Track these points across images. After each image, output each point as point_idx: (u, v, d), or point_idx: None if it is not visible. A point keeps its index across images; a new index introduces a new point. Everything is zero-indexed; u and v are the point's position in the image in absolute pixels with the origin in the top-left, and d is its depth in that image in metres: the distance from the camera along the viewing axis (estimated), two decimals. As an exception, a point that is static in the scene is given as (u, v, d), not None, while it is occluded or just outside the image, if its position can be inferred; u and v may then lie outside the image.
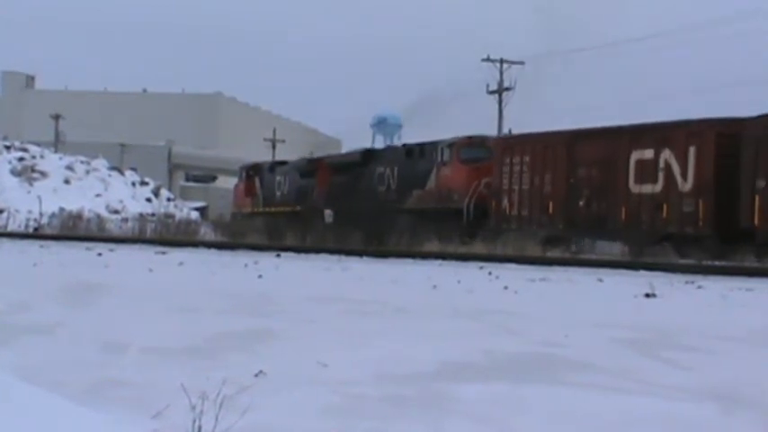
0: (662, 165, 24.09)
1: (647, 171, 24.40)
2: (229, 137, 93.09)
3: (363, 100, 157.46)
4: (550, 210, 27.27)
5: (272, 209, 39.41)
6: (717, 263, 20.14)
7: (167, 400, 5.20)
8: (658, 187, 24.15)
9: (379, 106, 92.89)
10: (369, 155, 35.18)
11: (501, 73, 54.85)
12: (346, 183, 34.88)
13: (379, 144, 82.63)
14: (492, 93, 54.77)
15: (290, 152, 65.10)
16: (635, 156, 24.79)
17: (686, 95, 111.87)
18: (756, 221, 21.57)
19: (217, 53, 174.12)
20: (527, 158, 27.96)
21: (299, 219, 33.21)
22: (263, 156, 68.71)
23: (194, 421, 4.53)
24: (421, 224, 27.69)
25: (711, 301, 11.63)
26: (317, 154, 51.95)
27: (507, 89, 54.49)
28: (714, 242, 21.79)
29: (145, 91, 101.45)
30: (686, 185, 23.55)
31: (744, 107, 29.19)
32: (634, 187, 24.78)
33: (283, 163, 42.03)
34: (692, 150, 23.42)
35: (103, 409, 5.11)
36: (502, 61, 54.91)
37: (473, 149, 30.33)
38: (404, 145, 34.75)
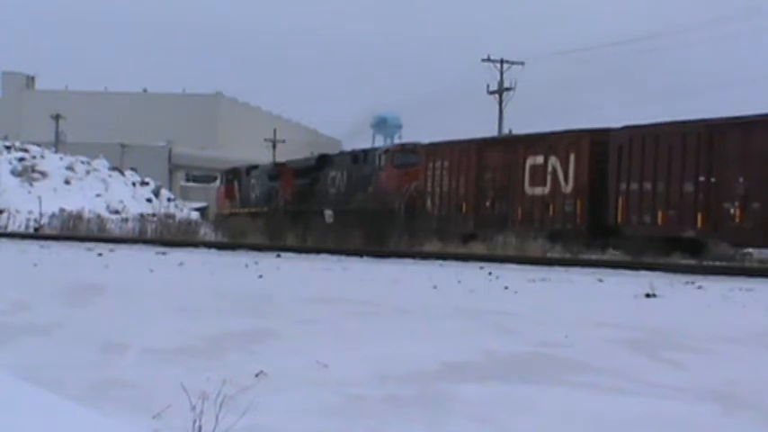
0: (550, 169, 27.03)
1: (538, 175, 27.35)
2: (229, 137, 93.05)
3: (363, 100, 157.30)
4: (464, 209, 29.83)
5: (247, 209, 41.76)
6: (717, 263, 20.18)
7: (168, 400, 5.21)
8: (547, 189, 27.08)
9: (379, 106, 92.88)
10: (323, 160, 37.71)
11: (501, 73, 54.81)
12: (305, 185, 37.59)
13: (380, 144, 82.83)
14: (492, 93, 54.70)
15: (290, 152, 65.07)
16: (529, 161, 27.72)
17: (686, 95, 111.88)
18: (620, 219, 24.89)
19: (217, 53, 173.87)
20: (446, 163, 30.69)
21: (265, 218, 36.20)
22: (263, 156, 68.72)
23: (194, 421, 4.54)
24: (363, 224, 29.65)
25: (711, 301, 11.63)
26: (317, 154, 52.32)
27: (507, 89, 54.42)
28: (588, 237, 24.70)
29: (145, 91, 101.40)
30: (567, 188, 26.53)
31: (743, 107, 29.32)
32: (528, 189, 27.67)
33: (256, 167, 44.46)
34: (572, 157, 26.43)
35: (104, 409, 5.12)
36: (502, 61, 54.83)
37: (405, 155, 33.07)
38: (352, 151, 37.63)
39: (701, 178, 23.00)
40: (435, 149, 31.78)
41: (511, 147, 28.95)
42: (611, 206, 25.06)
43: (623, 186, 24.72)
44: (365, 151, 35.96)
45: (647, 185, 24.18)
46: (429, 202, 30.70)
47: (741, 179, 22.28)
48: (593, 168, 25.72)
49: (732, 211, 22.36)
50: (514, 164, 28.04)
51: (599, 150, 25.55)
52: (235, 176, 45.07)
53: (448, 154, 30.85)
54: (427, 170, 31.16)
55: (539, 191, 27.20)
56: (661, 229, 23.76)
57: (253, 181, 42.76)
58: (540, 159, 27.30)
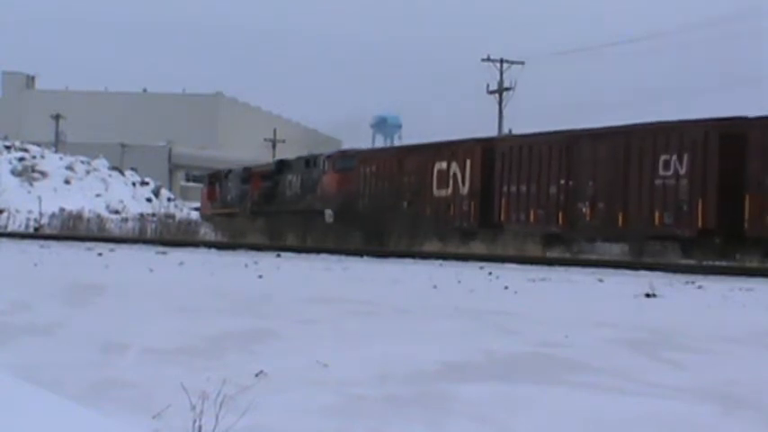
0: (452, 174, 30.72)
1: (443, 179, 30.99)
2: (229, 137, 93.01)
3: (363, 100, 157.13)
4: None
5: (225, 210, 44.81)
6: (717, 263, 20.19)
7: (168, 400, 5.21)
8: (449, 191, 30.66)
9: (379, 106, 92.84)
10: (282, 164, 41.24)
11: (501, 73, 54.78)
12: (268, 188, 40.97)
13: (380, 144, 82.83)
14: (492, 92, 54.67)
15: (290, 152, 65.04)
16: (436, 167, 31.36)
17: (686, 95, 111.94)
18: (503, 218, 28.66)
19: (217, 53, 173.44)
20: (374, 168, 34.38)
21: (238, 218, 39.74)
22: (263, 156, 68.74)
23: (194, 421, 4.54)
24: (311, 222, 32.36)
25: (711, 301, 11.63)
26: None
27: (507, 89, 54.39)
28: (480, 233, 28.10)
29: (145, 91, 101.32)
30: (464, 190, 30.21)
31: (743, 107, 29.47)
32: (436, 192, 31.16)
33: (232, 171, 47.35)
34: (468, 163, 30.22)
35: (104, 409, 5.12)
36: (502, 61, 54.79)
37: (345, 161, 36.45)
38: (305, 156, 41.05)
39: (562, 182, 26.90)
40: (367, 155, 36.36)
41: (423, 154, 32.66)
42: (496, 206, 28.87)
43: (505, 189, 28.57)
44: (315, 157, 39.28)
45: (523, 188, 28.00)
46: (360, 203, 33.12)
47: (591, 183, 26.12)
48: (484, 173, 29.46)
49: (584, 210, 26.20)
50: (425, 169, 31.66)
51: (489, 157, 29.44)
52: (216, 180, 48.17)
53: (376, 160, 34.96)
54: (359, 174, 34.70)
55: (443, 193, 30.79)
56: (533, 226, 27.42)
57: (230, 184, 45.68)
58: (444, 165, 31.03)
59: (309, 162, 38.50)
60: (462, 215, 29.93)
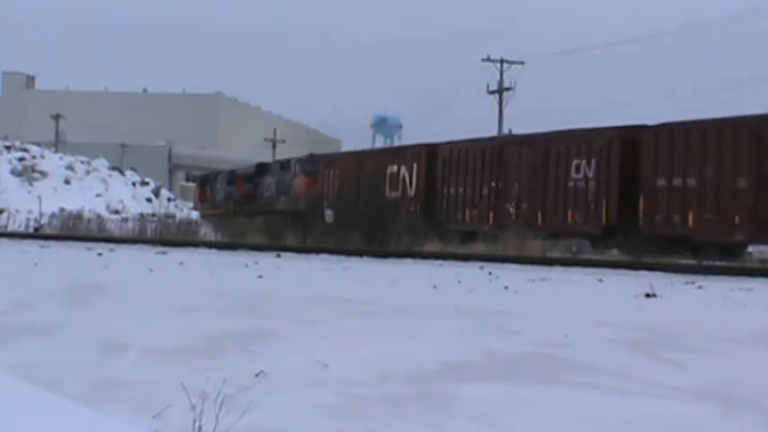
0: (401, 177, 33.14)
1: (394, 181, 33.26)
2: (229, 137, 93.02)
3: (363, 100, 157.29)
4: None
5: (214, 210, 46.98)
6: (717, 263, 20.21)
7: (168, 400, 5.21)
8: (399, 193, 32.86)
9: (379, 106, 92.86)
10: (261, 167, 43.53)
11: (501, 73, 54.76)
12: (250, 189, 43.19)
13: (380, 143, 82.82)
14: (492, 93, 54.64)
15: (290, 152, 65.05)
16: (389, 170, 33.59)
17: (686, 95, 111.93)
18: (443, 217, 30.93)
19: (217, 53, 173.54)
20: (337, 172, 36.65)
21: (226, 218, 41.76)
22: (263, 156, 68.76)
23: (194, 421, 4.54)
24: (285, 222, 34.11)
25: (711, 301, 11.62)
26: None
27: (507, 89, 54.36)
28: (424, 231, 29.21)
29: (145, 91, 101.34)
30: (411, 191, 32.63)
31: (743, 107, 29.58)
32: (388, 194, 32.92)
33: (220, 173, 49.54)
34: (414, 166, 32.68)
35: (104, 409, 5.12)
36: (502, 61, 54.76)
37: (313, 164, 38.65)
38: (281, 160, 43.46)
39: (493, 184, 29.27)
40: (330, 160, 38.79)
41: (378, 158, 35.53)
42: (438, 206, 31.20)
43: (445, 190, 30.98)
44: (288, 160, 41.37)
45: (460, 190, 30.39)
46: (325, 204, 34.63)
47: (516, 185, 28.47)
48: (428, 176, 31.74)
49: (510, 210, 28.57)
50: (379, 172, 33.56)
51: (432, 161, 31.74)
52: (207, 182, 50.37)
53: (338, 164, 37.25)
54: (324, 177, 36.95)
55: (394, 194, 32.70)
56: (468, 224, 29.80)
57: (218, 186, 47.85)
58: (395, 168, 33.36)
59: (284, 165, 40.81)
60: (410, 215, 31.46)
